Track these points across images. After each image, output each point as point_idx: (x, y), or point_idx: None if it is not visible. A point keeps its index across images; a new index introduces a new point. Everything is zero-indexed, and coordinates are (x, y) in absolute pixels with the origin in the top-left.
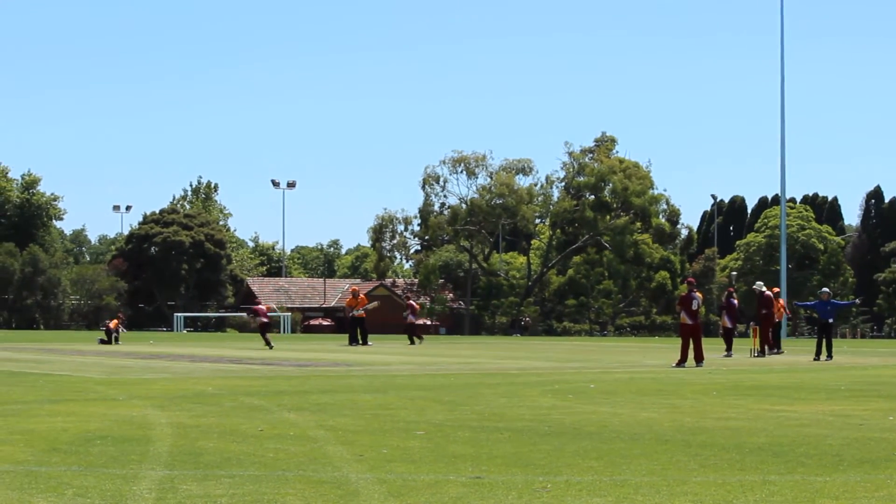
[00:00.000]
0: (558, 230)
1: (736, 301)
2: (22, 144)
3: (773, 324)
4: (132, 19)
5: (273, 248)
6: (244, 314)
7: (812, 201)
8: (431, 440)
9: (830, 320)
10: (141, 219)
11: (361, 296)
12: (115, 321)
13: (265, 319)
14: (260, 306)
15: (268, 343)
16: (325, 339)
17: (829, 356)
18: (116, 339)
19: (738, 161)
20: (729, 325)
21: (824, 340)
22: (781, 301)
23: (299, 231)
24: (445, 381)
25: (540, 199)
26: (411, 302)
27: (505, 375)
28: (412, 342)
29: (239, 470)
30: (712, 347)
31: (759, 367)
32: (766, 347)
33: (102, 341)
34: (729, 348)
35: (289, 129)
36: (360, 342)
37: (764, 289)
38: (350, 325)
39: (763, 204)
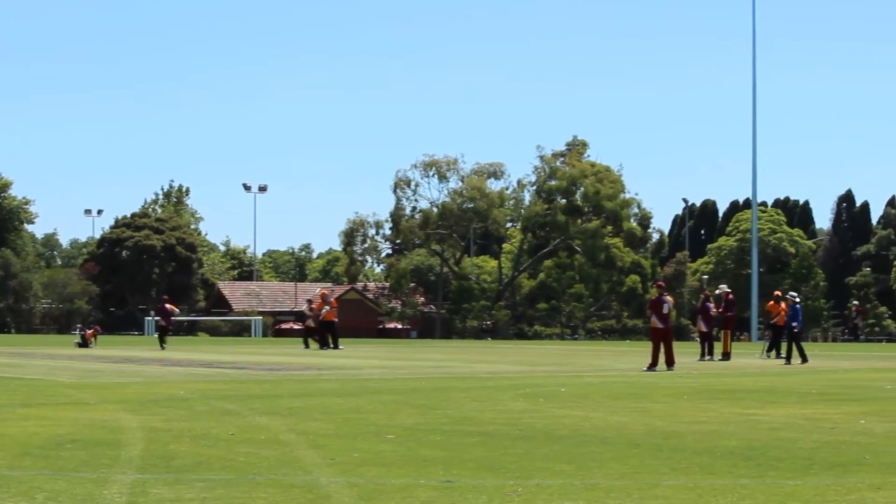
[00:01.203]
0: (529, 234)
1: (712, 305)
2: None
3: (733, 327)
4: (102, 24)
5: (244, 252)
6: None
7: (783, 205)
8: (403, 444)
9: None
10: (112, 223)
11: (332, 300)
12: (91, 332)
13: (164, 323)
14: (167, 306)
15: (162, 344)
16: (297, 343)
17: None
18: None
19: (709, 165)
20: (705, 329)
21: (794, 344)
22: (784, 305)
23: (271, 235)
24: (417, 385)
25: (511, 202)
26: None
27: (476, 379)
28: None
29: (210, 474)
30: (686, 351)
31: (730, 370)
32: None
33: (80, 344)
34: (706, 352)
35: (260, 133)
36: (331, 346)
37: (730, 292)
38: (320, 329)
39: (734, 208)
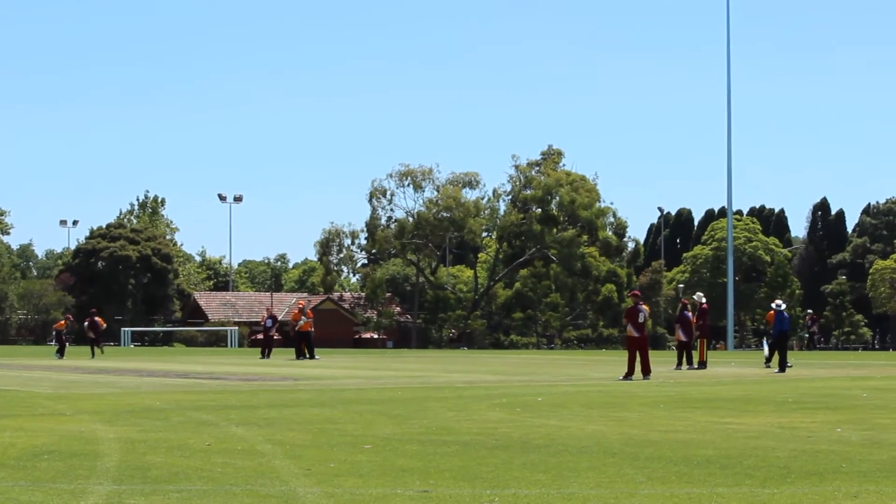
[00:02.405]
0: (505, 243)
1: (690, 314)
2: None
3: (708, 336)
4: (77, 35)
5: (220, 263)
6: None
7: (759, 213)
8: (379, 454)
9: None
10: (88, 233)
11: (308, 310)
12: (62, 322)
13: (93, 336)
14: (97, 319)
15: (60, 353)
16: (273, 354)
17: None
18: (66, 343)
19: (684, 174)
20: (683, 338)
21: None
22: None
23: (246, 245)
24: (393, 395)
25: (487, 212)
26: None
27: (453, 389)
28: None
29: (187, 485)
30: (663, 360)
31: (706, 379)
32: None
33: (60, 353)
34: (685, 361)
35: (235, 144)
36: (307, 356)
37: (703, 300)
38: (296, 339)
39: (710, 216)
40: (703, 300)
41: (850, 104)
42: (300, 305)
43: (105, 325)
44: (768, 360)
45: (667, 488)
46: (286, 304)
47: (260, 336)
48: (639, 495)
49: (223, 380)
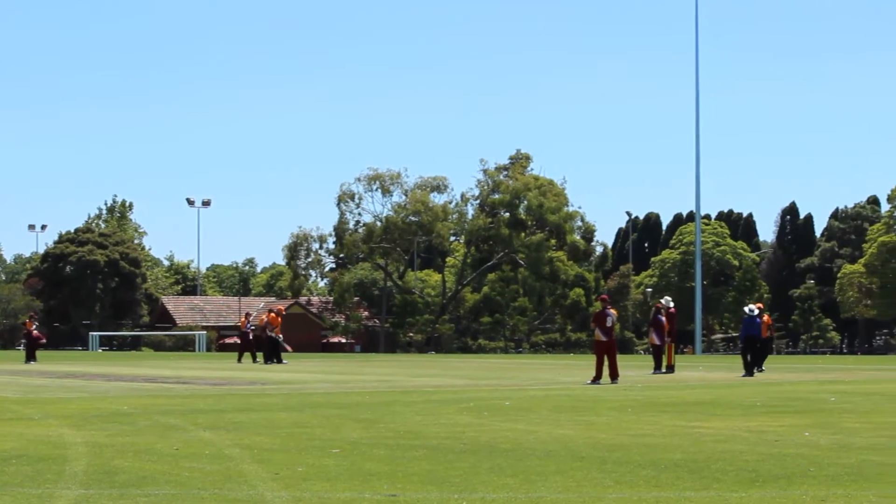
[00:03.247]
0: (473, 247)
1: (664, 318)
2: None
3: (675, 339)
4: (43, 40)
5: (188, 267)
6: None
7: (727, 218)
8: (347, 458)
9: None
10: (56, 238)
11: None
12: (28, 322)
13: (31, 341)
14: (34, 331)
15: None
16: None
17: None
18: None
19: (652, 178)
20: (657, 342)
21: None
22: (767, 317)
23: (214, 249)
24: (361, 399)
25: (455, 216)
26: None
27: (421, 393)
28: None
29: (154, 489)
30: (631, 364)
31: (674, 383)
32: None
33: (31, 358)
34: (658, 365)
35: (203, 148)
36: (275, 361)
37: (671, 305)
38: (268, 344)
39: (678, 220)
40: (671, 304)
41: (819, 109)
42: (280, 310)
43: (43, 340)
44: (759, 365)
45: (635, 492)
46: (254, 309)
47: (237, 339)
48: (607, 499)
49: (191, 384)
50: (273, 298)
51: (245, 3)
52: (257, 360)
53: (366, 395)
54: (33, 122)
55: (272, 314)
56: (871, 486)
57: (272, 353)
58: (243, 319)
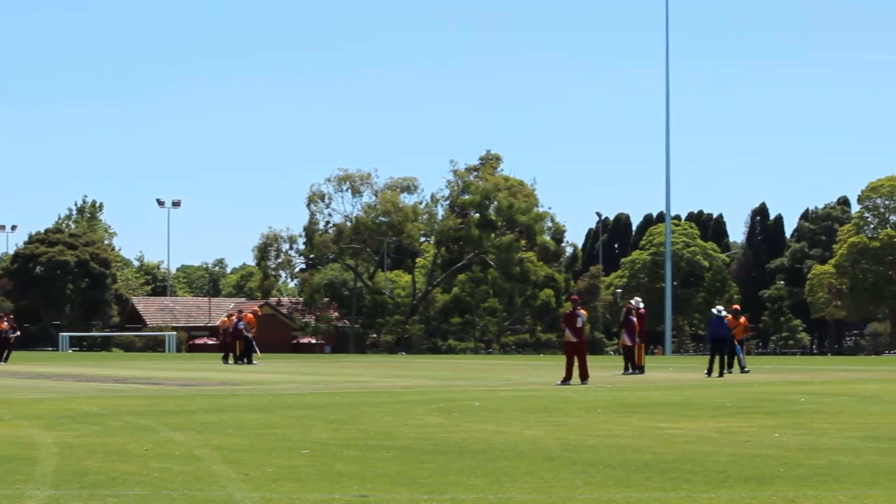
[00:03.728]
0: (443, 248)
1: (635, 319)
2: None
3: (644, 340)
4: (12, 40)
5: (158, 268)
6: None
7: (697, 218)
8: (317, 459)
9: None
10: (26, 238)
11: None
12: (4, 324)
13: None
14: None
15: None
16: (211, 359)
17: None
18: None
19: (623, 179)
20: (628, 342)
21: (721, 357)
22: (744, 318)
23: (184, 250)
24: (331, 400)
25: (425, 217)
26: (249, 315)
27: (390, 394)
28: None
29: (124, 489)
30: (601, 365)
31: (644, 384)
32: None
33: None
34: (627, 366)
35: (174, 149)
36: (246, 361)
37: (641, 305)
38: (245, 344)
39: (648, 221)
40: (641, 305)
41: (789, 110)
42: (257, 311)
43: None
44: (729, 367)
45: (604, 493)
46: (224, 309)
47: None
48: (576, 500)
49: (161, 385)
50: (243, 299)
51: (214, 5)
52: (229, 360)
53: (336, 396)
54: (3, 123)
55: (249, 315)
56: (840, 487)
57: (245, 354)
58: (226, 319)
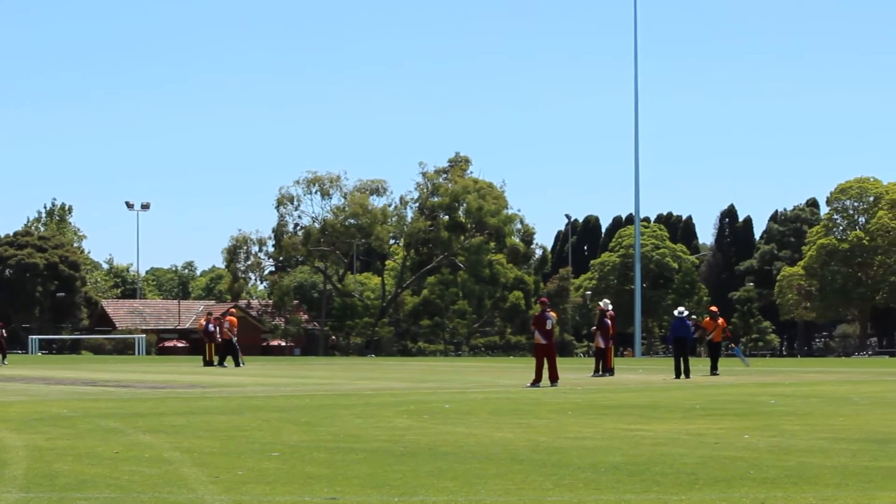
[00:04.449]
0: (413, 251)
1: (609, 321)
2: None
3: (614, 342)
4: None
5: (127, 270)
6: None
7: (666, 220)
8: (287, 461)
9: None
10: None
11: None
12: None
13: None
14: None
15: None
16: (181, 361)
17: (688, 375)
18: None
19: (592, 181)
20: (602, 345)
21: (685, 358)
22: (722, 320)
23: (154, 253)
24: (301, 403)
25: (394, 219)
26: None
27: (360, 396)
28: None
29: (94, 492)
30: (571, 367)
31: (614, 386)
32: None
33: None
34: (598, 368)
35: (143, 151)
36: (219, 364)
37: (609, 307)
38: (229, 347)
39: (617, 223)
40: (610, 307)
41: (757, 112)
42: (233, 312)
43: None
44: (714, 368)
45: (574, 495)
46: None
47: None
48: (547, 502)
49: (131, 387)
50: (213, 301)
51: (182, 8)
52: (211, 363)
53: (305, 399)
54: None
55: (232, 317)
56: (810, 489)
57: (224, 356)
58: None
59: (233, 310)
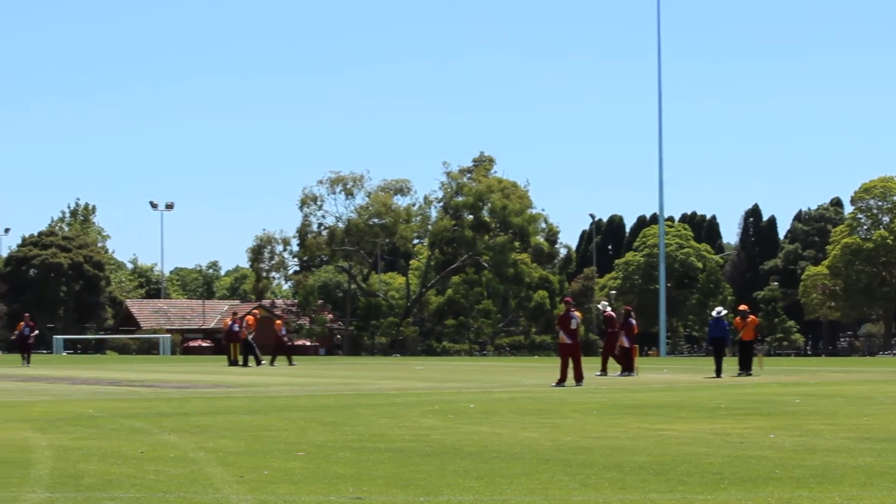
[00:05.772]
0: (437, 250)
1: (634, 321)
2: None
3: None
4: (4, 42)
5: (152, 270)
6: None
7: (691, 220)
8: (312, 461)
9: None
10: (19, 241)
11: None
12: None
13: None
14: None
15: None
16: (205, 361)
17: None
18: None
19: (616, 180)
20: (626, 344)
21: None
22: (753, 318)
23: (178, 253)
24: (326, 402)
25: (418, 219)
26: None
27: (385, 396)
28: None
29: (120, 492)
30: (595, 367)
31: (639, 385)
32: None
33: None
34: (627, 367)
35: (167, 151)
36: (242, 364)
37: (608, 308)
38: (247, 347)
39: (641, 223)
40: (608, 308)
41: (782, 111)
42: (257, 314)
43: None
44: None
45: (600, 495)
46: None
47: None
48: (572, 501)
49: (155, 387)
50: (237, 301)
51: (208, 8)
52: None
53: (330, 399)
54: None
55: (249, 316)
56: (835, 488)
57: (245, 356)
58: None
59: (255, 310)
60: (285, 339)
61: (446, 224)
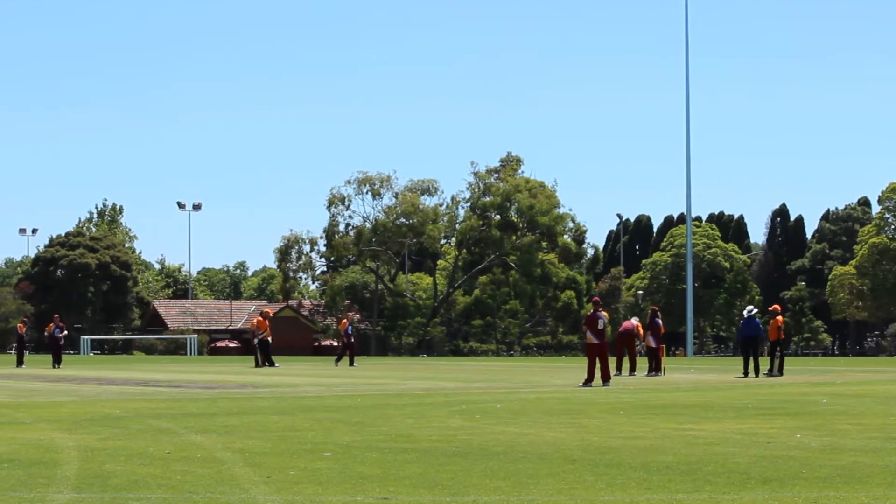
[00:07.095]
0: (464, 250)
1: (661, 321)
2: None
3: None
4: (32, 43)
5: (179, 271)
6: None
7: (718, 220)
8: (339, 461)
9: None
10: (47, 241)
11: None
12: (21, 325)
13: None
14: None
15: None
16: (232, 362)
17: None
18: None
19: (643, 180)
20: (653, 344)
21: (755, 357)
22: (780, 318)
23: (205, 253)
24: (352, 402)
25: (445, 219)
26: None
27: (412, 396)
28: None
29: (146, 493)
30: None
31: (666, 385)
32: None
33: (19, 358)
34: (654, 367)
35: (194, 151)
36: (267, 364)
37: (635, 321)
38: (260, 347)
39: (669, 223)
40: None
41: (809, 111)
42: (267, 313)
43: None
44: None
45: (627, 495)
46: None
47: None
48: (598, 502)
49: (182, 388)
50: (265, 301)
51: (236, 7)
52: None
53: (357, 399)
54: (24, 126)
55: (259, 317)
56: (862, 488)
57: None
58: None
59: (267, 310)
60: (351, 338)
61: (473, 224)
